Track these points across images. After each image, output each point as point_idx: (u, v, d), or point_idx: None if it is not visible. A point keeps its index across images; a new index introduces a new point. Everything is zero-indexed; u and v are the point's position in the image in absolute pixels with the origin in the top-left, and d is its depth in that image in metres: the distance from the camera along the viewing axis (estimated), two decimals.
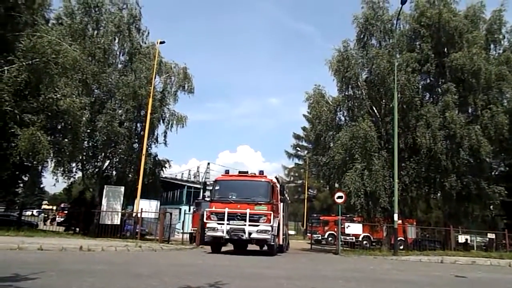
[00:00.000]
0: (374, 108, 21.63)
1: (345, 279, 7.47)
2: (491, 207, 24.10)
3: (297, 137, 56.89)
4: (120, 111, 21.85)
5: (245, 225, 12.85)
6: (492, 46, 22.35)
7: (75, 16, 21.48)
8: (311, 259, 14.95)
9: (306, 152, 52.20)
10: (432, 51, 20.88)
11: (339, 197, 18.69)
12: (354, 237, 24.61)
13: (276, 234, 13.75)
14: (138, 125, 23.50)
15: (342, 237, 21.13)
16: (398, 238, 18.77)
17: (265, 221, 12.85)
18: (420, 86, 21.98)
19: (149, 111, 20.53)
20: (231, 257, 12.48)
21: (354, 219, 25.10)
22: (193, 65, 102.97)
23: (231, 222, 13.01)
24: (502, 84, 20.27)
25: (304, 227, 45.71)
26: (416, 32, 21.58)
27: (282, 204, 15.82)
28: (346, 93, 22.53)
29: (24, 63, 15.54)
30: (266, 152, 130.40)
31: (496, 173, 25.16)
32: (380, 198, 19.17)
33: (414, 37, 22.16)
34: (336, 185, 22.39)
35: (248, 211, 12.92)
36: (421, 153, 19.92)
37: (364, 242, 26.13)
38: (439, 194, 23.07)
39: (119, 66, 23.10)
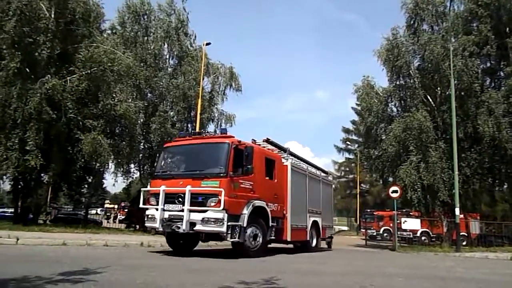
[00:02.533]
0: (429, 97, 20.52)
1: (405, 276, 7.18)
2: None
3: (346, 130, 55.55)
4: (171, 113, 22.75)
5: (182, 210, 8.63)
6: None
7: (126, 24, 22.68)
8: (366, 255, 14.56)
9: (356, 145, 50.82)
10: (491, 32, 19.33)
11: (394, 191, 18.04)
12: (411, 233, 23.61)
13: (257, 226, 9.44)
14: (189, 125, 24.28)
15: (398, 232, 20.38)
16: (461, 234, 17.71)
17: (215, 204, 8.44)
18: (480, 71, 20.44)
19: (198, 112, 21.13)
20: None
21: (411, 213, 24.06)
22: (239, 62, 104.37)
23: (168, 206, 8.99)
24: None
25: (357, 223, 44.61)
26: (473, 13, 20.11)
27: (291, 181, 11.55)
28: (397, 83, 21.58)
29: (83, 73, 16.69)
30: (315, 147, 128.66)
31: None
32: (439, 191, 18.19)
33: (470, 19, 20.67)
34: (390, 179, 21.60)
35: (188, 189, 8.64)
36: (483, 143, 18.59)
37: (423, 237, 24.94)
38: (505, 186, 21.43)
39: (169, 69, 24.02)
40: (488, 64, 21.31)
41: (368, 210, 38.11)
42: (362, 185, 51.77)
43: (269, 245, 11.94)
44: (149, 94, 22.75)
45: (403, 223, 20.87)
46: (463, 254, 14.44)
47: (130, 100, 18.74)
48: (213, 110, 24.32)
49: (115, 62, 17.19)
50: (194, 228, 8.57)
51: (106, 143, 17.00)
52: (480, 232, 23.43)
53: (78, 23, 17.59)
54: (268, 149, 11.95)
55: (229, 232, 8.59)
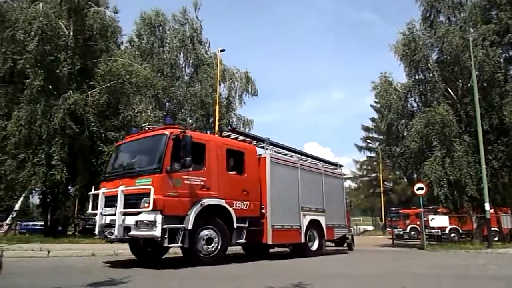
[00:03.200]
0: (450, 90, 19.99)
1: (436, 277, 6.98)
2: None
3: (366, 129, 54.84)
4: (190, 121, 23.05)
5: (115, 214, 7.64)
6: None
7: (143, 37, 23.17)
8: (393, 254, 14.25)
9: (377, 143, 50.03)
10: None
11: (420, 189, 17.64)
12: (439, 230, 22.99)
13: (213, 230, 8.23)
14: (208, 132, 24.42)
15: (426, 230, 19.89)
16: (492, 229, 17.12)
17: (146, 205, 7.31)
18: (502, 60, 19.80)
19: (217, 118, 21.33)
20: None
21: (438, 210, 23.44)
22: (254, 67, 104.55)
23: (106, 210, 8.08)
24: None
25: (383, 222, 43.83)
26: (491, 1, 19.51)
27: (272, 175, 10.14)
28: (416, 78, 21.12)
29: (103, 86, 17.11)
30: (335, 148, 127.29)
31: None
32: (466, 186, 17.63)
33: (489, 7, 20.04)
34: (414, 175, 21.11)
35: (120, 189, 7.72)
36: (510, 134, 17.96)
37: (452, 235, 24.24)
38: None
39: (186, 78, 24.41)
40: (511, 53, 20.60)
41: (393, 209, 37.42)
42: (385, 183, 50.88)
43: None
44: (167, 104, 23.15)
45: (431, 220, 20.36)
46: (496, 251, 13.96)
47: (149, 111, 19.06)
48: (231, 115, 24.51)
49: (133, 74, 17.55)
50: (129, 234, 7.45)
51: None
52: None
53: (96, 39, 18.06)
54: (239, 140, 10.79)
55: (167, 236, 7.33)
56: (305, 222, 11.07)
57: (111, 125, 18.24)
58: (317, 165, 12.87)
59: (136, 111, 18.77)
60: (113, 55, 17.78)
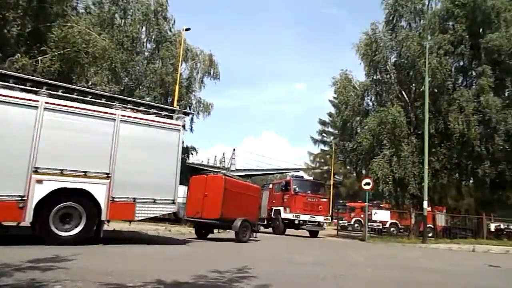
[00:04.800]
0: (403, 93, 21.00)
1: (374, 267, 7.42)
2: None
3: (323, 123, 56.20)
4: (148, 99, 22.25)
5: None
6: None
7: (103, 5, 21.89)
8: (338, 245, 14.92)
9: (332, 138, 51.51)
10: (466, 32, 19.86)
11: (367, 184, 18.49)
12: (381, 224, 24.35)
13: None
14: None
15: (369, 223, 20.97)
16: (428, 226, 18.41)
17: None
18: (453, 69, 21.07)
19: (175, 98, 20.83)
20: None
21: (382, 205, 24.80)
22: (219, 51, 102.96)
23: None
24: None
25: (330, 214, 45.51)
26: (450, 12, 20.57)
27: None
28: (374, 78, 21.95)
29: (56, 53, 16.03)
30: (292, 138, 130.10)
31: None
32: (409, 184, 18.78)
33: (447, 18, 21.15)
34: (363, 171, 22.10)
35: None
36: (453, 139, 19.25)
37: (392, 229, 25.80)
38: (471, 181, 22.35)
39: (147, 54, 23.46)
40: (461, 63, 21.91)
41: (341, 201, 38.89)
42: (336, 176, 52.66)
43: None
44: (125, 78, 22.16)
45: (374, 214, 21.54)
46: (429, 246, 15.04)
47: (104, 84, 18.18)
48: (190, 97, 24.05)
49: (90, 44, 16.56)
50: None
51: None
52: (445, 224, 24.46)
53: (51, 1, 16.81)
54: None
55: None
56: (39, 191, 7.15)
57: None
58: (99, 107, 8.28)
59: (90, 83, 17.83)
60: (69, 20, 16.62)
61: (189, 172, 30.44)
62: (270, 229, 19.97)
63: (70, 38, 16.09)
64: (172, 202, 8.74)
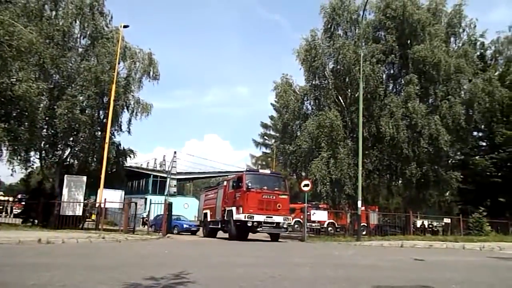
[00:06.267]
0: (340, 98, 22.02)
1: (311, 265, 7.60)
2: (448, 193, 25.47)
3: (264, 126, 57.07)
4: (81, 98, 20.86)
5: None
6: (452, 39, 23.22)
7: None
8: (277, 246, 15.12)
9: (273, 141, 52.46)
10: (396, 42, 21.40)
11: (306, 185, 18.98)
12: (319, 224, 25.19)
13: None
14: (101, 112, 22.54)
15: (308, 224, 21.53)
16: (361, 224, 19.38)
17: None
18: (384, 77, 22.61)
19: (112, 98, 19.77)
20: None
21: (320, 206, 25.65)
22: (160, 52, 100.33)
23: None
24: (460, 76, 21.20)
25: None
26: (382, 23, 22.02)
27: None
28: (313, 83, 22.76)
29: None
30: (235, 141, 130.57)
31: (453, 161, 26.49)
32: (345, 185, 19.69)
33: (379, 28, 22.61)
34: (303, 173, 22.74)
35: None
36: (384, 142, 20.56)
37: (329, 228, 26.81)
38: (400, 181, 24.01)
39: (80, 50, 21.94)
40: (392, 71, 23.56)
41: None
42: None
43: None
44: (55, 75, 20.52)
45: (312, 215, 22.16)
46: (363, 243, 15.82)
47: (31, 81, 16.69)
48: (128, 97, 22.91)
49: (14, 36, 15.21)
50: None
51: None
52: (378, 222, 25.96)
53: None
54: None
55: None
56: None
57: None
58: None
59: (15, 79, 16.33)
60: None
61: (126, 176, 29.24)
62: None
63: None
64: None
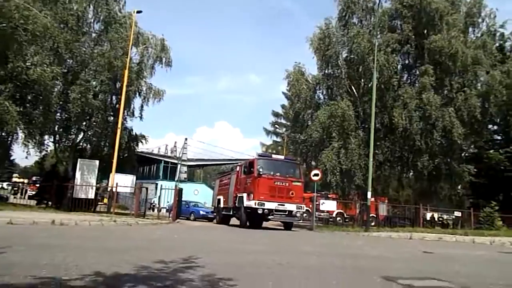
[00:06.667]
0: (353, 88, 21.75)
1: (319, 254, 7.64)
2: (459, 186, 25.16)
3: (275, 114, 56.89)
4: (94, 83, 21.05)
5: None
6: (470, 29, 22.64)
7: None
8: (286, 234, 15.22)
9: (284, 129, 52.35)
10: (412, 32, 20.95)
11: (315, 175, 18.95)
12: (328, 214, 25.22)
13: None
14: (114, 97, 22.81)
15: (316, 213, 21.57)
16: (370, 215, 19.34)
17: None
18: (399, 67, 22.21)
19: (125, 83, 19.91)
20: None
21: (329, 196, 25.64)
22: (172, 39, 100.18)
23: None
24: (477, 67, 20.72)
25: None
26: (398, 12, 21.55)
27: None
28: (326, 72, 22.53)
29: None
30: (245, 129, 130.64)
31: (466, 154, 26.09)
32: (355, 176, 19.60)
33: (395, 17, 22.14)
34: (313, 162, 22.68)
35: None
36: (396, 133, 20.34)
37: (338, 218, 26.82)
38: (411, 173, 23.79)
39: (94, 35, 22.05)
40: (407, 61, 23.14)
41: None
42: None
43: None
44: (69, 60, 20.69)
45: (321, 204, 22.18)
46: (371, 234, 15.81)
47: (46, 65, 16.87)
48: (140, 83, 23.05)
49: (30, 20, 15.35)
50: None
51: (14, 110, 15.27)
52: (387, 214, 25.87)
53: None
54: None
55: None
56: None
57: None
58: None
59: (29, 63, 16.52)
60: None
61: (137, 161, 29.59)
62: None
63: (6, 12, 14.83)
64: None
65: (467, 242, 13.51)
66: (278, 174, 16.54)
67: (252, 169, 16.50)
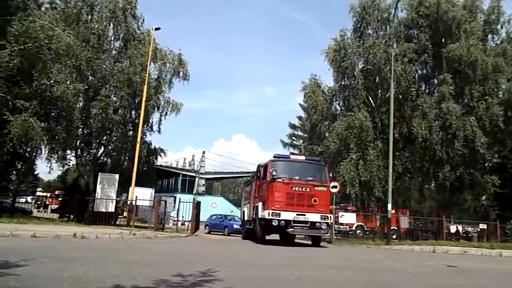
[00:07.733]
0: (370, 98, 21.59)
1: (338, 268, 7.51)
2: (484, 197, 24.37)
3: (292, 126, 56.65)
4: (114, 98, 21.66)
5: None
6: (489, 36, 22.28)
7: (70, 0, 21.08)
8: (303, 248, 15.02)
9: (301, 141, 52.00)
10: (429, 41, 20.76)
11: (334, 187, 18.60)
12: (347, 226, 24.79)
13: None
14: (133, 112, 23.34)
15: (336, 226, 21.25)
16: (391, 228, 18.91)
17: None
18: (417, 77, 21.94)
19: (144, 99, 20.35)
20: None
21: (348, 208, 25.25)
22: (189, 53, 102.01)
23: None
24: (498, 75, 20.28)
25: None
26: (414, 21, 21.41)
27: None
28: (342, 83, 22.46)
29: (16, 48, 15.31)
30: (262, 141, 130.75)
31: (490, 164, 25.34)
32: (374, 187, 19.28)
33: (411, 27, 22.01)
34: (331, 174, 22.43)
35: None
36: (415, 144, 19.99)
37: (358, 231, 26.30)
38: (432, 184, 23.24)
39: (114, 52, 22.77)
40: (424, 71, 22.84)
41: None
42: None
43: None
44: (90, 77, 21.37)
45: (341, 217, 21.83)
46: (392, 247, 15.43)
47: (68, 82, 17.49)
48: (159, 97, 23.53)
49: (53, 40, 15.96)
50: None
51: (38, 126, 15.79)
52: (408, 226, 25.22)
53: None
54: None
55: None
56: None
57: (22, 92, 16.48)
58: None
59: (53, 80, 17.11)
60: (31, 14, 15.95)
61: (156, 175, 29.97)
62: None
63: (31, 32, 15.48)
64: None
65: (493, 255, 13.02)
66: (297, 177, 13.77)
67: (266, 173, 14.13)
